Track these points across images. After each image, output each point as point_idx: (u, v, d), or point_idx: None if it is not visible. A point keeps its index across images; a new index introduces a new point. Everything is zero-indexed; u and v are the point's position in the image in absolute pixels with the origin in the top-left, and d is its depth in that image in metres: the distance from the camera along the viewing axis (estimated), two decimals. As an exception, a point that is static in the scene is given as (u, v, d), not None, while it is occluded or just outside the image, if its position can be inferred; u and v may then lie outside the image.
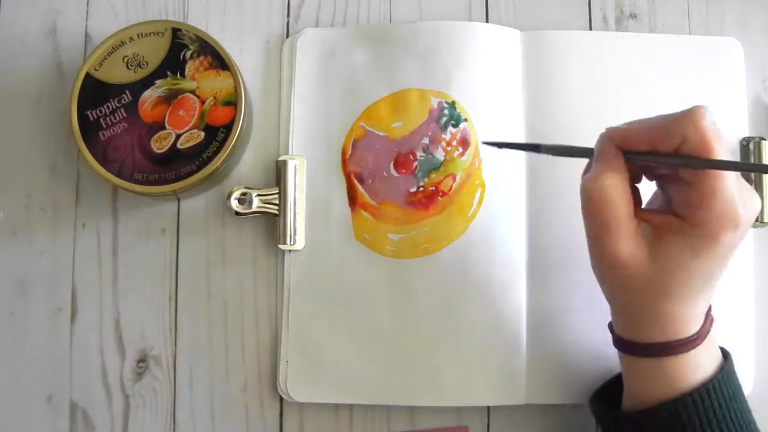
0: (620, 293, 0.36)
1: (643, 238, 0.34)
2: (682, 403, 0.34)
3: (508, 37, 0.45)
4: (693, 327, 0.35)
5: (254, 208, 0.43)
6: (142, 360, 0.44)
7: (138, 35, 0.42)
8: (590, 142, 0.46)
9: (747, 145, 0.45)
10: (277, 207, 0.43)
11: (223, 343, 0.44)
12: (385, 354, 0.43)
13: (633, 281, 0.34)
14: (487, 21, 0.47)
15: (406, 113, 0.44)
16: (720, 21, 0.48)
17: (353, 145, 0.45)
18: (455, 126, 0.44)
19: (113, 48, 0.42)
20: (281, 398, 0.44)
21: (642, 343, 0.35)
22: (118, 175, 0.41)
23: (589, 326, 0.43)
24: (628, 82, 0.46)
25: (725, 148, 0.32)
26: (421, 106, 0.44)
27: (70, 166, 0.45)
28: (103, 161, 0.41)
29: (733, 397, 0.35)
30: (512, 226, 0.44)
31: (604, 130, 0.36)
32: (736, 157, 0.45)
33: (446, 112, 0.44)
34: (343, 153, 0.45)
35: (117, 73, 0.42)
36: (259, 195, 0.43)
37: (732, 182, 0.32)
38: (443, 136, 0.44)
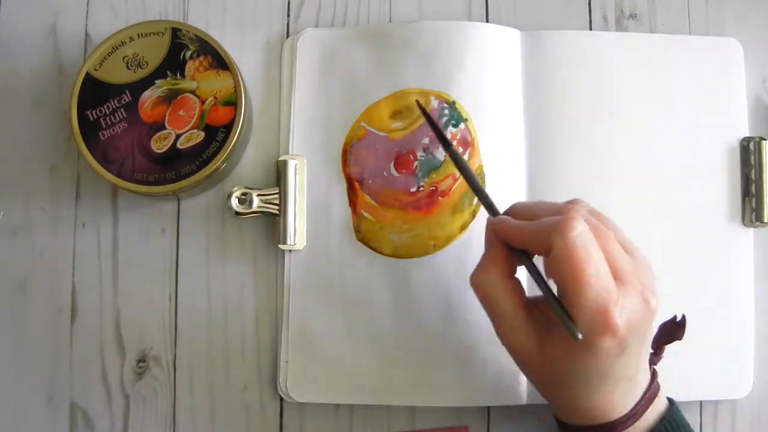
0: (529, 377, 0.37)
1: (535, 327, 0.34)
2: None
3: (508, 37, 0.45)
4: (617, 412, 0.34)
5: (254, 208, 0.43)
6: (142, 360, 0.44)
7: (138, 35, 0.42)
8: (589, 141, 0.46)
9: (747, 146, 0.45)
10: (277, 207, 0.43)
11: (223, 343, 0.44)
12: (385, 354, 0.43)
13: (531, 370, 0.35)
14: (487, 21, 0.47)
15: (407, 113, 0.44)
16: (720, 21, 0.48)
17: (353, 145, 0.45)
18: (455, 126, 0.44)
19: (113, 48, 0.42)
20: (281, 398, 0.44)
21: (572, 425, 0.35)
22: (118, 175, 0.41)
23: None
24: (628, 82, 0.46)
25: (596, 258, 0.31)
26: (421, 106, 0.44)
27: (70, 166, 0.45)
28: (103, 161, 0.41)
29: None
30: (512, 226, 0.44)
31: (493, 219, 0.36)
32: (736, 158, 0.45)
33: (446, 112, 0.44)
34: (344, 153, 0.45)
35: (117, 73, 0.42)
36: (259, 195, 0.43)
37: (595, 292, 0.31)
38: (443, 136, 0.44)
